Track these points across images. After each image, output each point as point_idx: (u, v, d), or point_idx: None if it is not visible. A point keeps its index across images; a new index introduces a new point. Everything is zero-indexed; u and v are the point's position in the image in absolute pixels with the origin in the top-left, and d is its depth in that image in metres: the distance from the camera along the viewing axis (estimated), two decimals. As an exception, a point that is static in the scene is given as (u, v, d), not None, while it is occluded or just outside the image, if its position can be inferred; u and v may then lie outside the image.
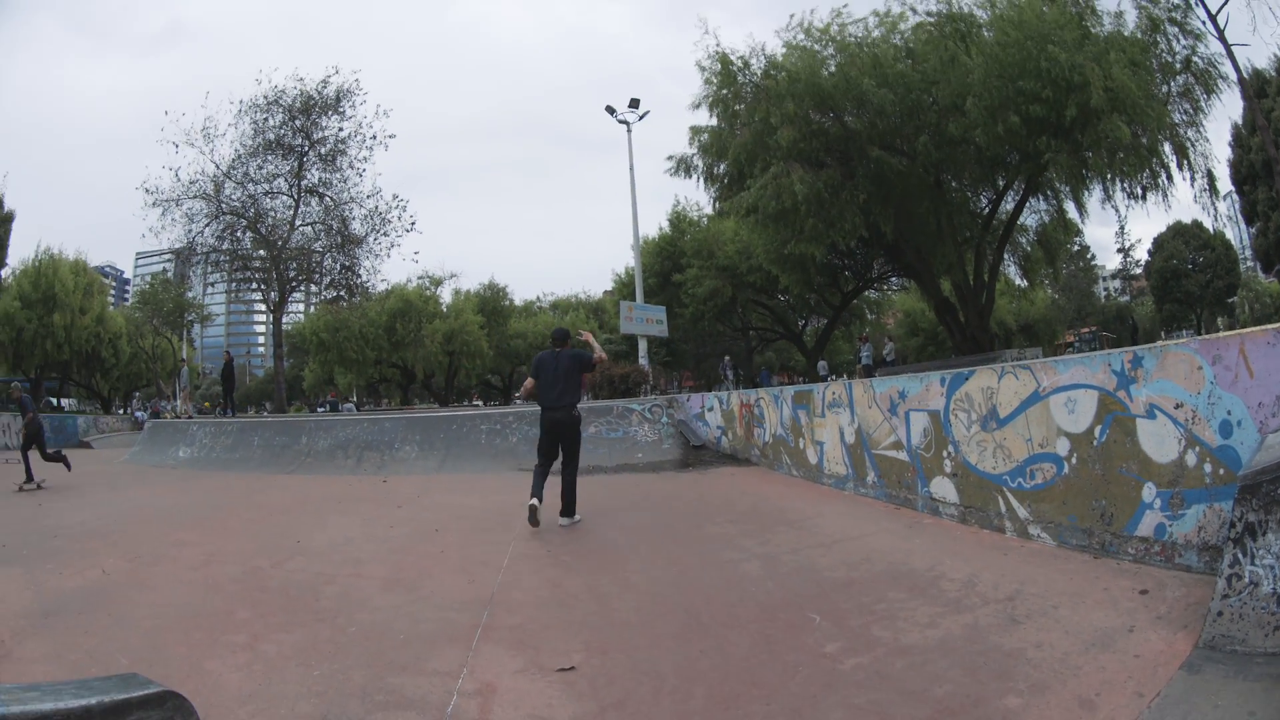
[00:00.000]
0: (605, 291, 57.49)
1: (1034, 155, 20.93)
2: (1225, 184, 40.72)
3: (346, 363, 51.51)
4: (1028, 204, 27.36)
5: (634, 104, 33.65)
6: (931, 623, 4.80)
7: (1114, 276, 79.57)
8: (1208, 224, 51.57)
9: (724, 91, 24.96)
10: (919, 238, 26.65)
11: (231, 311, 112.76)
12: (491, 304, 58.25)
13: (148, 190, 30.91)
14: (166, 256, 37.35)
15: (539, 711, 3.82)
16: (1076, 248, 62.49)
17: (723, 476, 13.17)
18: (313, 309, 51.79)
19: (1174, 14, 21.34)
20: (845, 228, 23.45)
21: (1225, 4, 23.60)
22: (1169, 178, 21.69)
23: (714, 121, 26.16)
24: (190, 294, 48.26)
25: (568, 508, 9.19)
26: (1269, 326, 4.84)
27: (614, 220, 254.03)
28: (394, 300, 49.89)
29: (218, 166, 31.65)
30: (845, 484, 10.63)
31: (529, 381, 9.65)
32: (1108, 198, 23.88)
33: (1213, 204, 24.01)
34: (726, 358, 41.31)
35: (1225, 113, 48.94)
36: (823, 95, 22.63)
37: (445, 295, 56.30)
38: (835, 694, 3.87)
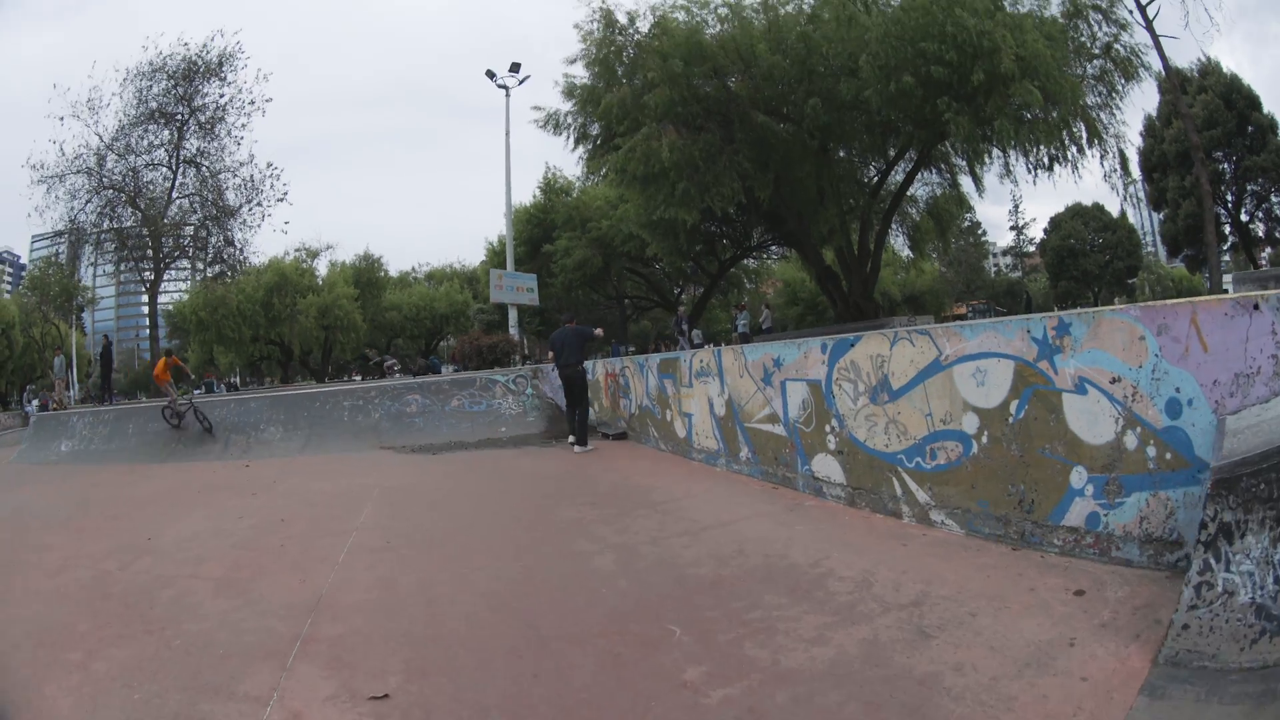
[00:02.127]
0: (481, 262, 56.84)
1: (930, 120, 20.85)
2: (1134, 171, 42.30)
3: (225, 342, 50.16)
4: (919, 176, 27.44)
5: (515, 68, 33.16)
6: (819, 637, 4.19)
7: (1005, 253, 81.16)
8: (1113, 205, 53.70)
9: (604, 51, 24.03)
10: (801, 204, 26.30)
11: (121, 294, 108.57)
12: (366, 275, 57.32)
13: (33, 167, 30.68)
14: (59, 239, 36.33)
15: (342, 754, 3.45)
16: (967, 223, 63.89)
17: (587, 451, 12.81)
18: (192, 286, 49.92)
19: (1099, 1, 21.34)
20: (723, 192, 22.98)
21: None
22: (1080, 150, 21.67)
23: (589, 80, 25.09)
24: (78, 277, 46.56)
25: (580, 439, 12.80)
26: (1224, 296, 4.48)
27: (491, 191, 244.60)
28: (270, 274, 49.11)
29: (100, 138, 31.31)
30: (717, 460, 10.18)
31: (550, 354, 13.68)
32: (1007, 172, 23.97)
33: (1122, 184, 24.35)
34: (681, 310, 39.70)
35: (1139, 104, 50.59)
36: (705, 56, 22.17)
37: (321, 268, 55.33)
38: None
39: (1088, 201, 64.17)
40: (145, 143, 32.58)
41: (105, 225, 32.72)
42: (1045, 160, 22.22)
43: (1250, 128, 40.54)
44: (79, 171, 31.39)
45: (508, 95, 33.59)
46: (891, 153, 26.06)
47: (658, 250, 31.46)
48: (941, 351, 6.05)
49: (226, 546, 7.51)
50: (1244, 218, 43.83)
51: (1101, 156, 22.28)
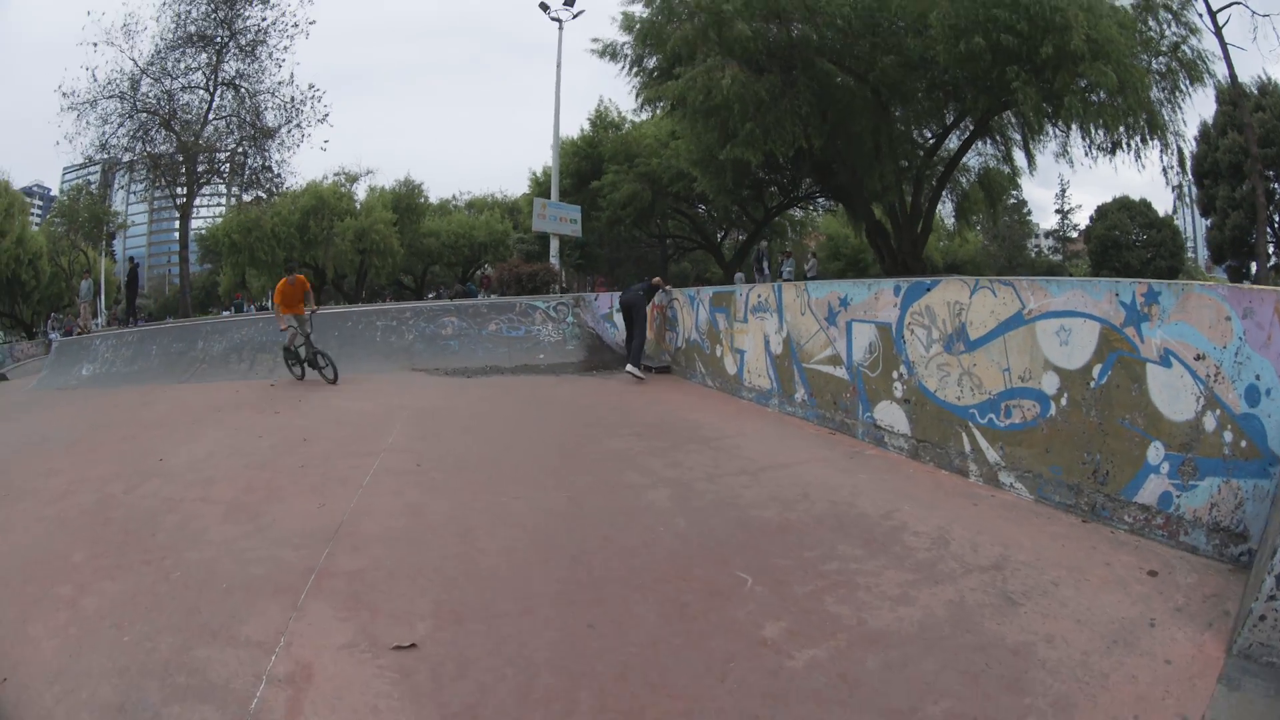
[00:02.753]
0: (523, 194, 56.13)
1: (997, 87, 20.05)
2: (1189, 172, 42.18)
3: (258, 264, 48.45)
4: (973, 147, 26.76)
5: (569, 1, 32.38)
6: (904, 596, 3.82)
7: (1048, 235, 79.63)
8: (1160, 202, 52.51)
9: None
10: (856, 158, 25.52)
11: (155, 219, 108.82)
12: (406, 201, 55.64)
13: (64, 94, 30.12)
14: (91, 169, 36.06)
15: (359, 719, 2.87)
16: (1013, 200, 62.76)
17: (630, 383, 12.35)
18: (227, 209, 49.66)
19: (1170, 2, 20.52)
20: (784, 136, 22.19)
21: (1229, 5, 23.47)
22: (1144, 139, 20.98)
23: (648, 14, 24.36)
24: (108, 203, 46.30)
25: (635, 363, 12.78)
26: (1311, 291, 4.09)
27: (537, 126, 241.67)
28: (307, 197, 48.04)
29: (135, 63, 30.75)
30: (769, 400, 9.70)
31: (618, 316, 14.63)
32: (1063, 152, 23.25)
33: (1179, 180, 24.33)
34: (764, 243, 37.91)
35: (1196, 110, 49.72)
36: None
37: (360, 193, 53.92)
38: (787, 712, 2.87)
39: (1134, 197, 63.20)
40: (182, 66, 31.80)
41: (138, 149, 31.71)
42: (1109, 145, 21.59)
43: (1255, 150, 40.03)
44: (111, 96, 30.63)
45: (560, 27, 32.85)
46: (950, 118, 25.36)
47: (706, 188, 30.16)
48: (1025, 305, 5.67)
49: (241, 467, 6.92)
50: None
51: (1162, 150, 21.57)
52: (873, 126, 23.87)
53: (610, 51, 26.33)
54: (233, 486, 6.19)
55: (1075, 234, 73.56)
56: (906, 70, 21.38)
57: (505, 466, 6.72)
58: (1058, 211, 74.20)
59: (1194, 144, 43.88)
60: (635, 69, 26.39)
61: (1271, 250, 42.11)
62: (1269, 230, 41.05)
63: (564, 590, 3.95)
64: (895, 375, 7.12)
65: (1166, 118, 20.84)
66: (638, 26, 24.72)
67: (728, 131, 22.43)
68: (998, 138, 26.79)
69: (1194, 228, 68.72)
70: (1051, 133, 22.94)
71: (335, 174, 51.82)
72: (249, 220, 44.53)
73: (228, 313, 46.46)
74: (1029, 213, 75.24)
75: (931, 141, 27.06)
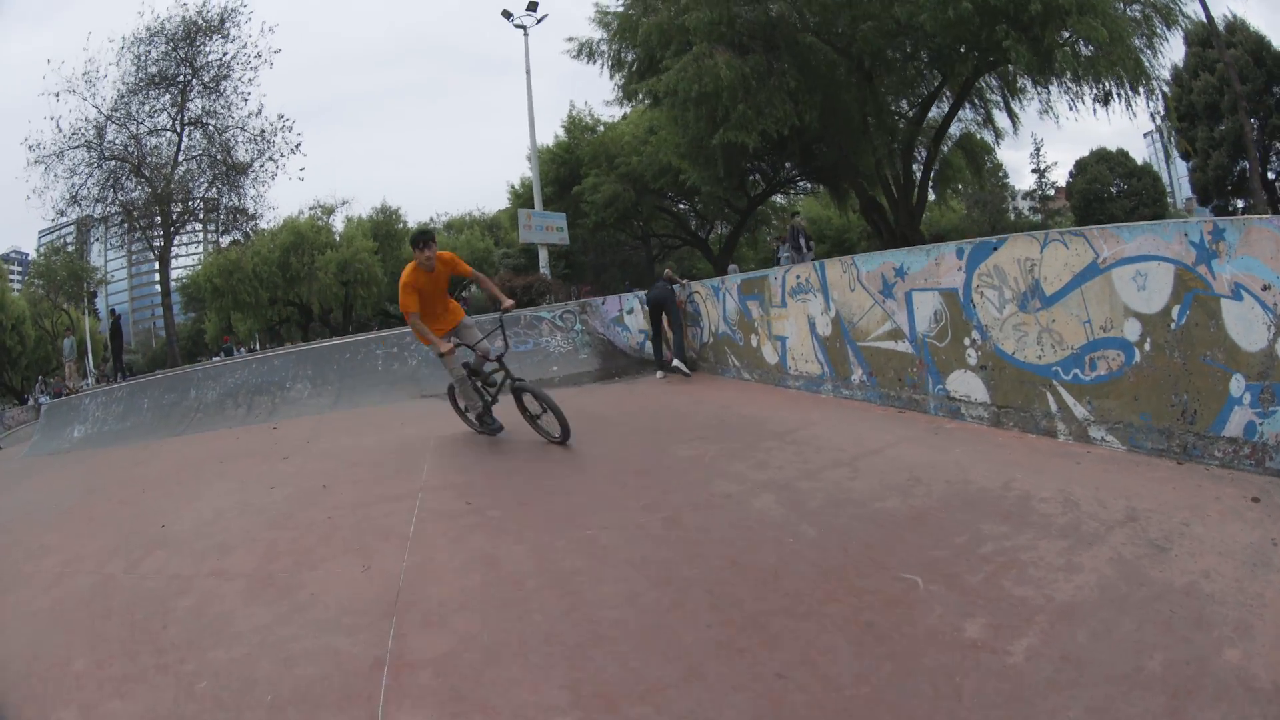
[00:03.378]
0: (502, 209, 55.86)
1: (986, 47, 19.82)
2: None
3: (242, 307, 48.16)
4: (956, 113, 26.65)
5: (532, 7, 31.96)
6: (1070, 564, 3.66)
7: (1025, 196, 79.38)
8: (1138, 148, 52.89)
9: None
10: (844, 134, 25.27)
11: (135, 274, 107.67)
12: (385, 228, 55.28)
13: (30, 147, 29.61)
14: (66, 226, 35.81)
15: None
16: (988, 164, 62.86)
17: (659, 385, 11.50)
18: (205, 252, 49.33)
19: None
20: (776, 115, 21.67)
21: None
22: (1133, 88, 21.06)
23: (623, 8, 24.11)
24: (86, 259, 45.55)
25: (680, 358, 12.03)
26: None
27: (508, 140, 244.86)
28: (285, 234, 47.51)
29: (99, 110, 30.19)
30: (820, 386, 9.14)
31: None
32: (1046, 110, 23.47)
33: (1166, 127, 25.15)
34: (798, 219, 33.82)
35: (1169, 54, 50.25)
36: None
37: (338, 224, 53.55)
38: (1041, 709, 2.61)
39: (1108, 148, 64.58)
40: (146, 109, 31.12)
41: (110, 199, 31.08)
42: (1102, 96, 21.58)
43: (1277, 87, 41.02)
44: (78, 146, 29.86)
45: (526, 35, 32.65)
46: (935, 83, 25.20)
47: (696, 179, 29.57)
48: (1099, 254, 5.56)
49: (257, 527, 5.86)
50: (1270, 175, 43.64)
51: (1147, 96, 21.76)
52: (859, 98, 23.62)
53: (587, 50, 25.87)
54: (252, 554, 5.18)
55: (1053, 191, 74.05)
56: (888, 38, 21.13)
57: (574, 492, 5.77)
58: (1034, 171, 73.93)
59: (1167, 89, 45.18)
60: (614, 65, 25.78)
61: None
62: (1248, 166, 41.85)
63: (721, 637, 3.25)
64: (967, 342, 6.82)
65: (1149, 64, 20.96)
66: (611, 19, 24.30)
67: (717, 118, 21.78)
68: (976, 102, 26.60)
69: (1169, 172, 70.58)
70: (1033, 91, 23.38)
71: (311, 207, 51.39)
72: (228, 263, 43.86)
73: (217, 358, 45.78)
74: (1005, 175, 75.42)
75: (913, 112, 26.86)
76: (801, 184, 38.88)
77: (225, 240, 36.69)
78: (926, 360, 7.29)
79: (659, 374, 12.28)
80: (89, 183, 30.30)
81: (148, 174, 31.06)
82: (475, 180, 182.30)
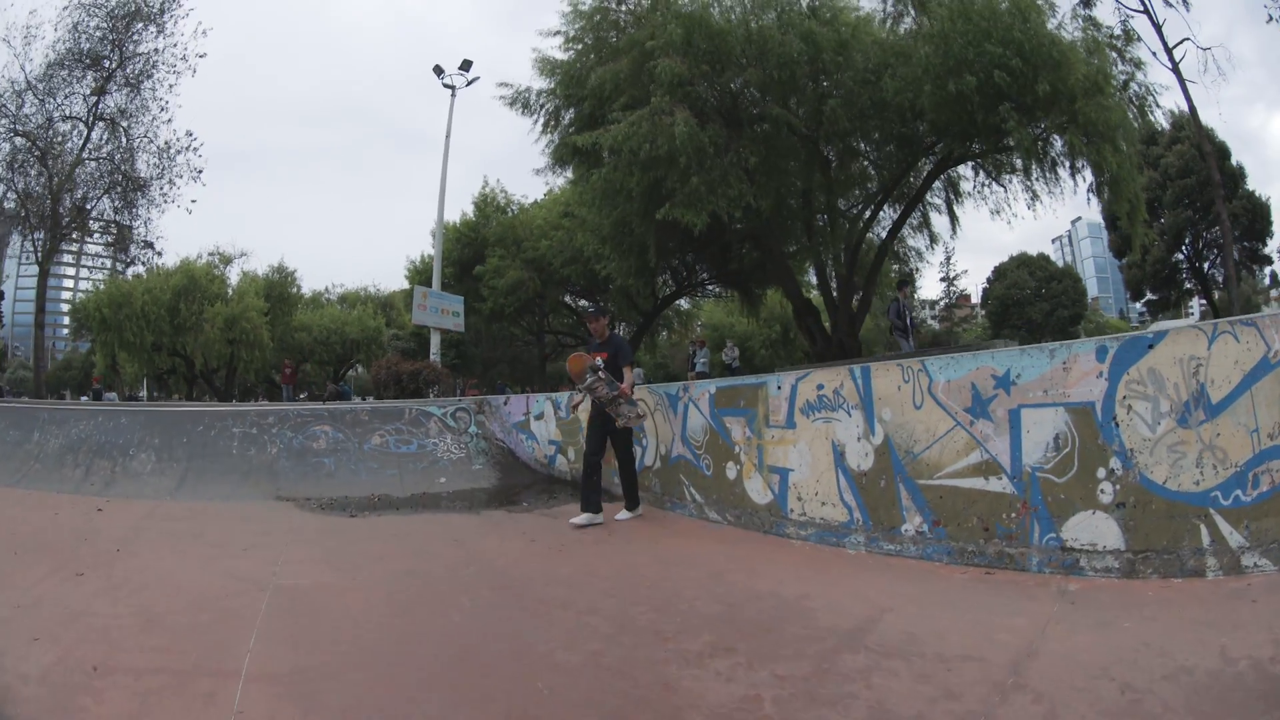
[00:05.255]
0: (399, 289, 55.11)
1: (983, 130, 18.88)
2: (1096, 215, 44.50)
3: (127, 347, 45.07)
4: (880, 216, 26.34)
5: (465, 66, 32.12)
6: None
7: (933, 305, 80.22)
8: (1061, 250, 54.22)
9: (595, 19, 21.29)
10: (788, 229, 24.32)
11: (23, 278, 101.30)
12: (279, 289, 53.44)
13: None
14: None
15: None
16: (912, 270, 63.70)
17: (593, 530, 8.33)
18: (103, 277, 47.69)
19: (1115, 41, 20.98)
20: (730, 194, 19.55)
21: (1182, 41, 26.56)
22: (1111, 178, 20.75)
23: (573, 58, 22.04)
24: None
25: (631, 505, 9.01)
26: None
27: (418, 217, 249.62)
28: (180, 275, 45.49)
29: (24, 72, 29.17)
30: (845, 537, 6.79)
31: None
32: (998, 210, 23.78)
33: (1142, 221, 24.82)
34: (902, 297, 23.21)
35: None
36: (713, 34, 19.21)
37: (233, 276, 51.64)
38: None
39: (1015, 252, 69.37)
40: (65, 90, 29.84)
41: (12, 181, 29.44)
42: (1095, 186, 21.70)
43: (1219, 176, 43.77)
44: (-4, 109, 28.41)
45: (453, 95, 32.81)
46: (897, 176, 24.00)
47: (614, 269, 26.54)
48: (1270, 346, 4.91)
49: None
50: (1205, 267, 47.44)
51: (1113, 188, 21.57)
52: (821, 186, 22.55)
53: (523, 101, 23.40)
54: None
55: (955, 299, 76.23)
56: (857, 120, 20.24)
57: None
58: (943, 280, 75.09)
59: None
60: (551, 123, 23.53)
61: (1185, 277, 48.76)
62: (1182, 257, 47.54)
63: None
64: (1102, 474, 5.27)
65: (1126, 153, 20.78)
66: (557, 68, 22.30)
67: (665, 189, 19.55)
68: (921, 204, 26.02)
69: (1084, 270, 74.78)
70: (983, 191, 23.82)
71: (210, 253, 49.79)
72: (121, 295, 42.04)
73: (85, 398, 42.50)
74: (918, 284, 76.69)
75: (864, 210, 26.07)
76: (710, 288, 37.26)
77: (130, 272, 35.38)
78: (1035, 501, 5.55)
79: (582, 518, 8.52)
80: (-5, 155, 28.03)
81: (50, 163, 29.85)
82: (377, 255, 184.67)
